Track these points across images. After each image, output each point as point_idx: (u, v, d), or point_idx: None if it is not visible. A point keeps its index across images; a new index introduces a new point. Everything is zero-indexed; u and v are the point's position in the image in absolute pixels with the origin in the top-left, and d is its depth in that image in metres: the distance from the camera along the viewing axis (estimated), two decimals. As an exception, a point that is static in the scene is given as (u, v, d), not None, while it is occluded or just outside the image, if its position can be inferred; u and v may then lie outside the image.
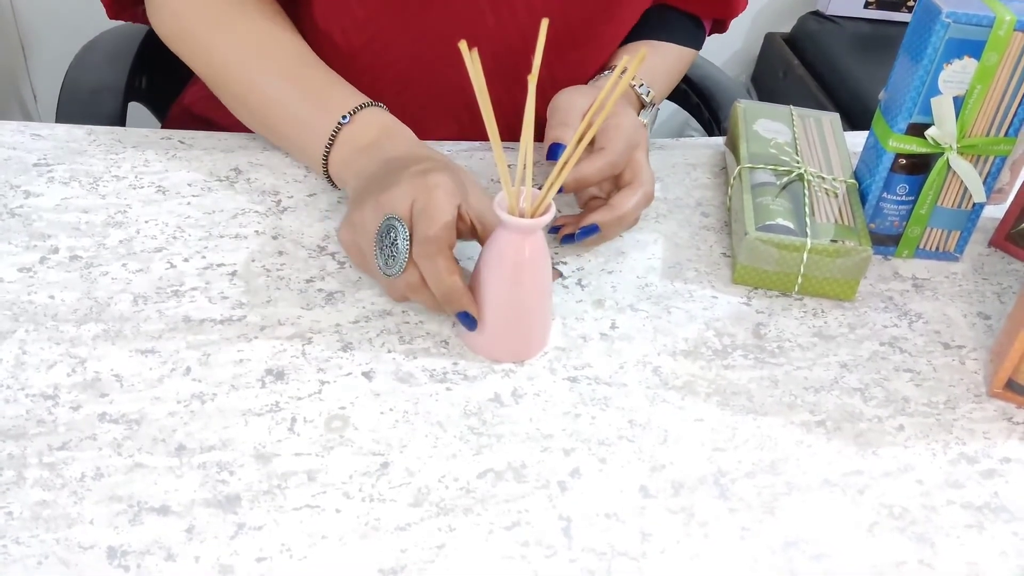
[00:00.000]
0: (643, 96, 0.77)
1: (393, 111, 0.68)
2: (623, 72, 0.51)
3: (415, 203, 0.56)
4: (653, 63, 0.81)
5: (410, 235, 0.55)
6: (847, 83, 1.71)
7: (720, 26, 0.91)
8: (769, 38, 1.98)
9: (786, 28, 1.95)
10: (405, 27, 0.74)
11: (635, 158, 0.66)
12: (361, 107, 0.66)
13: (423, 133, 0.69)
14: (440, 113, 0.80)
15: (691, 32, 0.86)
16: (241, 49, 0.70)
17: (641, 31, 0.82)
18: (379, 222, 0.57)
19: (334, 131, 0.65)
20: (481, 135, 0.79)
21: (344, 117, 0.65)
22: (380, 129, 0.65)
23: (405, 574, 0.46)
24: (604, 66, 0.81)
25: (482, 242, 0.58)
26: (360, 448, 0.52)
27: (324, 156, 0.66)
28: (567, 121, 0.66)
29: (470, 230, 0.59)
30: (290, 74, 0.69)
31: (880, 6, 1.87)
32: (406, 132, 0.66)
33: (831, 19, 1.88)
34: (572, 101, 0.67)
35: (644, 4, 0.80)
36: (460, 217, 0.57)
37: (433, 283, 0.56)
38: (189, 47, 0.72)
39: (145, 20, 0.77)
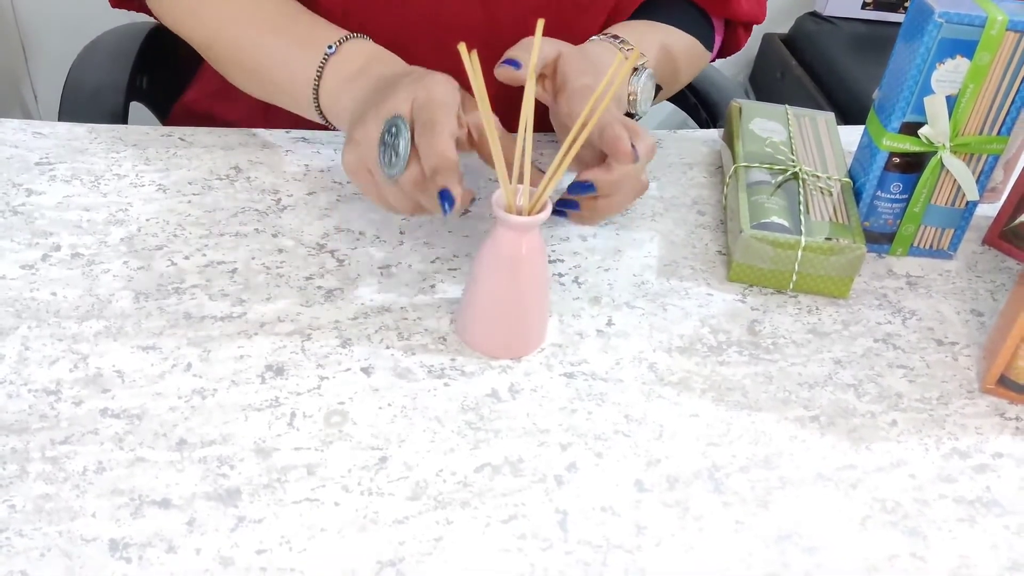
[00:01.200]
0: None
1: None
2: (620, 67, 0.51)
3: (415, 100, 0.57)
4: (642, 32, 0.76)
5: (411, 132, 0.55)
6: (845, 83, 1.71)
7: (734, 38, 0.89)
8: (767, 38, 1.99)
9: (784, 28, 1.96)
10: (389, 14, 0.74)
11: (608, 123, 0.59)
12: (346, 39, 0.67)
13: None
14: None
15: (695, 19, 0.83)
16: (230, 10, 0.71)
17: (643, 17, 0.80)
18: (381, 129, 0.57)
19: (321, 63, 0.66)
20: None
21: (330, 47, 0.66)
22: (368, 56, 0.66)
23: (403, 566, 0.47)
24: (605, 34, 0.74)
25: (480, 152, 0.60)
26: (359, 443, 0.53)
27: (315, 90, 0.67)
28: (527, 46, 0.62)
29: (467, 139, 0.59)
30: (277, 24, 0.70)
31: (877, 7, 1.87)
32: (394, 57, 0.67)
33: (829, 20, 1.89)
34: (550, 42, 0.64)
35: None
36: (458, 124, 0.57)
37: (426, 156, 0.55)
38: (181, 15, 0.74)
39: (145, 9, 0.77)
